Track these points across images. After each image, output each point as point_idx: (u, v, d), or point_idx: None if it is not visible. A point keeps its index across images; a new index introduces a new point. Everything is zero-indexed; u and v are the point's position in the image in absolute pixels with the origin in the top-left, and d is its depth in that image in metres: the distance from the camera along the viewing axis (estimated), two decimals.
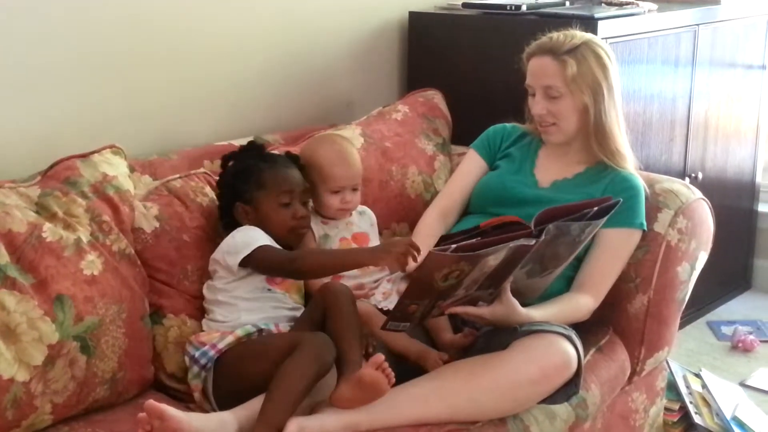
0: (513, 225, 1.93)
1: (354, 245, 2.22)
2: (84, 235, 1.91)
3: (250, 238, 2.03)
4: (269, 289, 2.04)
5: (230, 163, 2.18)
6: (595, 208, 1.94)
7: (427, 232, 2.33)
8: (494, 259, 1.80)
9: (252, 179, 2.11)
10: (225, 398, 1.88)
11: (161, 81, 2.44)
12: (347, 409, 1.81)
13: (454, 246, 1.74)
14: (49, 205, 1.91)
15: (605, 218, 1.98)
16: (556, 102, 2.22)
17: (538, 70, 2.24)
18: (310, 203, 2.24)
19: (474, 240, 1.79)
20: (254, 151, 2.20)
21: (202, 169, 2.26)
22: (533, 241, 1.83)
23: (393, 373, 1.80)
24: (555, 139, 2.29)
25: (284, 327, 2.00)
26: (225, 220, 2.14)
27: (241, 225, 2.10)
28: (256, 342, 1.92)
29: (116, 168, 2.06)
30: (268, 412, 1.72)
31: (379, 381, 1.78)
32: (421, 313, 1.89)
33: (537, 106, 2.25)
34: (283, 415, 1.72)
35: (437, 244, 1.82)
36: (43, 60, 2.19)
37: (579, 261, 2.20)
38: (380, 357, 1.79)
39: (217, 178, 2.20)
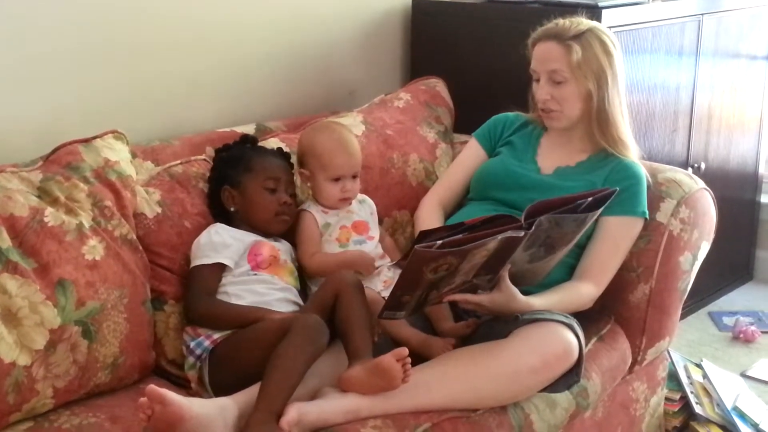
0: (503, 218, 1.92)
1: (354, 233, 2.22)
2: (86, 220, 1.91)
3: (203, 249, 2.05)
4: (255, 274, 2.06)
5: (222, 153, 2.22)
6: (590, 199, 1.93)
7: (426, 222, 2.34)
8: (484, 251, 1.80)
9: (241, 164, 2.15)
10: (222, 387, 1.88)
11: (164, 68, 2.44)
12: (349, 395, 1.81)
13: (440, 242, 1.73)
14: (51, 190, 1.91)
15: (602, 208, 1.98)
16: (560, 87, 2.22)
17: (544, 54, 2.24)
18: (308, 194, 2.25)
19: (461, 235, 1.78)
20: (247, 142, 2.26)
21: (202, 156, 2.26)
22: (522, 233, 1.82)
23: (411, 371, 1.80)
24: (557, 124, 2.29)
25: (278, 309, 2.01)
26: (213, 208, 2.16)
27: (227, 210, 2.14)
28: (249, 330, 1.92)
29: (118, 153, 2.06)
30: (266, 397, 1.73)
31: (395, 373, 1.78)
32: (416, 302, 1.89)
33: (541, 91, 2.25)
34: (280, 399, 1.73)
35: (419, 239, 1.80)
36: (46, 46, 2.18)
37: (581, 249, 2.21)
38: (405, 350, 1.79)
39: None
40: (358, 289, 1.96)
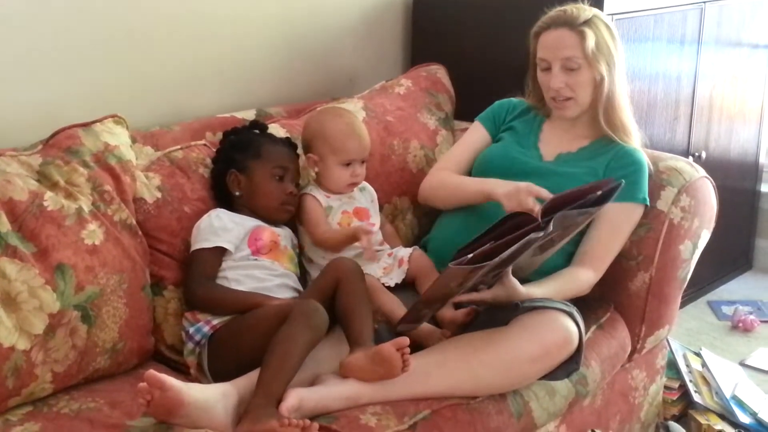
0: (517, 216, 1.92)
1: (355, 219, 2.22)
2: (85, 205, 1.90)
3: (204, 234, 2.05)
4: (255, 259, 2.05)
5: (231, 136, 2.21)
6: (599, 193, 1.93)
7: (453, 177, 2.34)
8: (502, 257, 1.80)
9: (250, 149, 2.14)
10: (221, 373, 1.88)
11: (164, 53, 2.43)
12: (349, 381, 1.82)
13: (470, 256, 1.73)
14: (51, 174, 1.90)
15: (608, 202, 1.97)
16: (574, 74, 2.21)
17: (557, 42, 2.22)
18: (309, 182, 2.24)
19: (488, 246, 1.78)
20: (257, 128, 2.24)
21: (202, 141, 2.25)
22: (541, 234, 1.82)
23: (410, 362, 1.80)
24: (571, 113, 2.27)
25: (278, 295, 2.01)
26: (216, 191, 2.16)
27: (231, 194, 2.13)
28: (248, 316, 1.92)
29: (118, 138, 2.05)
30: (265, 383, 1.73)
31: (395, 362, 1.78)
32: (433, 312, 1.92)
33: (555, 79, 2.23)
34: (280, 384, 1.73)
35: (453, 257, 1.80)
36: (47, 30, 2.18)
37: (580, 235, 2.20)
38: (406, 340, 1.79)
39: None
40: (359, 276, 1.96)
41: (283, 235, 2.14)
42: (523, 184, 2.01)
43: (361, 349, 1.83)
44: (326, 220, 2.19)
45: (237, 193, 2.13)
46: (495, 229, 1.89)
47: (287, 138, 2.27)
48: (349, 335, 1.88)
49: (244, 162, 2.13)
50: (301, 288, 2.09)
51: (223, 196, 2.15)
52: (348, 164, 2.20)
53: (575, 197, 1.91)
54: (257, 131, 2.24)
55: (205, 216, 2.08)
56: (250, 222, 2.09)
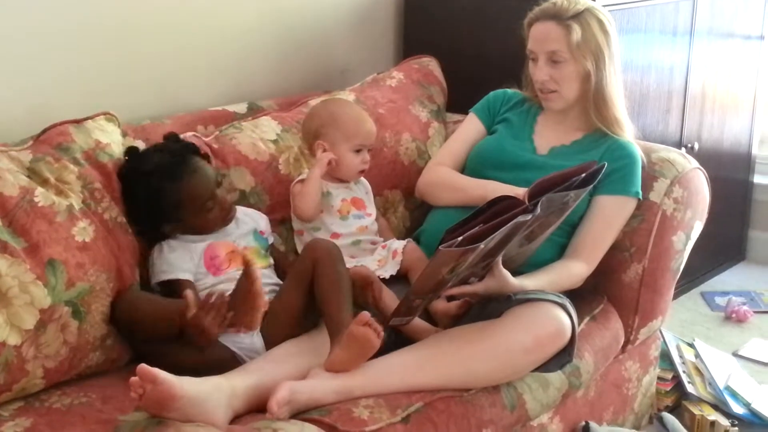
0: (504, 200, 1.92)
1: (353, 208, 2.23)
2: (76, 202, 1.89)
3: (161, 266, 1.98)
4: (221, 280, 1.98)
5: (132, 186, 2.00)
6: (583, 175, 1.93)
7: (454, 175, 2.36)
8: (492, 241, 1.80)
9: (165, 202, 1.97)
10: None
11: (155, 46, 2.42)
12: (341, 374, 1.81)
13: (460, 239, 1.73)
14: (41, 171, 1.89)
15: (592, 185, 1.97)
16: (559, 67, 2.21)
17: (542, 35, 2.22)
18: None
19: (477, 228, 1.78)
20: (140, 163, 2.01)
21: (191, 133, 2.23)
22: (529, 216, 1.82)
23: (381, 328, 1.80)
24: (555, 105, 2.28)
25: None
26: (148, 235, 2.03)
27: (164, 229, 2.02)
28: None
29: (109, 135, 2.04)
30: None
31: (368, 336, 1.78)
32: (425, 304, 1.92)
33: (540, 72, 2.23)
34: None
35: (442, 240, 1.79)
36: (38, 25, 2.16)
37: (573, 228, 2.21)
38: (366, 314, 1.79)
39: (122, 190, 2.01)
40: (335, 257, 1.94)
41: (235, 234, 2.06)
42: (521, 190, 2.00)
43: (335, 344, 1.82)
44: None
45: (177, 235, 2.02)
46: (482, 213, 1.88)
47: (186, 146, 2.06)
48: (327, 327, 1.88)
49: (169, 214, 1.98)
50: (275, 280, 2.05)
51: (155, 233, 2.02)
52: (358, 150, 2.20)
53: (560, 180, 1.91)
54: (150, 168, 1.98)
55: (155, 249, 2.00)
56: (198, 245, 2.01)
